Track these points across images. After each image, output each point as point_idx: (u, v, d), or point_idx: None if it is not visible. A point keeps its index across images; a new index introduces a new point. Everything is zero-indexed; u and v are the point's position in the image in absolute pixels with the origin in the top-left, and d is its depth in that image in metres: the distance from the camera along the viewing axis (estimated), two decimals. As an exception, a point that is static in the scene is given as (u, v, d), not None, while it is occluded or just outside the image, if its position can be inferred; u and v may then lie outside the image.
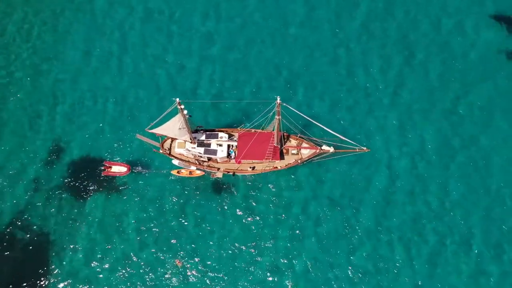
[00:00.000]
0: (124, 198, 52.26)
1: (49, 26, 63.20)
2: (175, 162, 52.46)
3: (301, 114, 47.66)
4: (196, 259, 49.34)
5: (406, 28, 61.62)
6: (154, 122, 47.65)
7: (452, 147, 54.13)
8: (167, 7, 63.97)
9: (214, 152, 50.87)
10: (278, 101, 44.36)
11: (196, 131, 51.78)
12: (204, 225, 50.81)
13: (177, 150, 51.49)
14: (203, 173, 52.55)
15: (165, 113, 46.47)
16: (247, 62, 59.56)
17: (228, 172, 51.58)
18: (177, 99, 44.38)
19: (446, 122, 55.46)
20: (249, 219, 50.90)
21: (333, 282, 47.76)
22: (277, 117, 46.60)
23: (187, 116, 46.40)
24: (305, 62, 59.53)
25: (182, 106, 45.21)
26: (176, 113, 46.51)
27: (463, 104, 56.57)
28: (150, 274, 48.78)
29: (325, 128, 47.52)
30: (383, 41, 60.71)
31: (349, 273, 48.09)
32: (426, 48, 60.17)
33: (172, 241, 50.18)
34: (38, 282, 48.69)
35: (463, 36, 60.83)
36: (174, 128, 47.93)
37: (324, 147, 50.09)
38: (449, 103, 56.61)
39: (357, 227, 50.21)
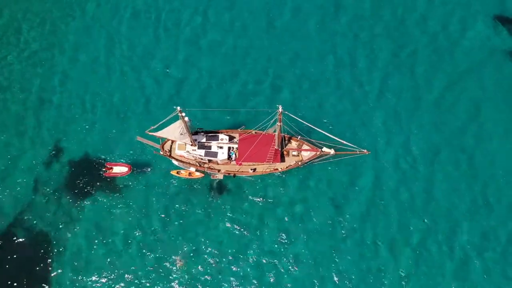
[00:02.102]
0: (124, 198, 52.55)
1: (42, 27, 62.10)
2: (175, 162, 52.55)
3: (302, 121, 47.77)
4: (197, 259, 50.20)
5: (394, 28, 61.38)
6: (155, 126, 47.42)
7: (460, 145, 54.83)
8: (162, 11, 62.96)
9: (215, 154, 50.89)
10: (280, 109, 44.17)
11: (196, 133, 51.62)
12: (204, 226, 51.47)
13: (177, 152, 51.45)
14: (203, 174, 52.76)
15: (165, 119, 46.26)
16: (246, 68, 59.18)
17: (229, 173, 51.84)
18: (178, 108, 44.02)
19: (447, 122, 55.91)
20: (249, 219, 51.59)
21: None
22: (278, 123, 46.50)
23: (188, 123, 46.17)
24: (305, 66, 59.12)
25: (183, 114, 44.89)
26: (177, 120, 46.26)
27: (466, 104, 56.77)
28: (151, 274, 49.67)
29: (326, 133, 47.71)
30: (372, 41, 60.36)
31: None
32: (415, 48, 59.80)
33: (173, 241, 50.92)
34: (37, 282, 49.35)
35: (454, 32, 60.64)
36: (174, 132, 47.78)
37: (325, 149, 50.26)
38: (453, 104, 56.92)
39: (354, 228, 51.36)
